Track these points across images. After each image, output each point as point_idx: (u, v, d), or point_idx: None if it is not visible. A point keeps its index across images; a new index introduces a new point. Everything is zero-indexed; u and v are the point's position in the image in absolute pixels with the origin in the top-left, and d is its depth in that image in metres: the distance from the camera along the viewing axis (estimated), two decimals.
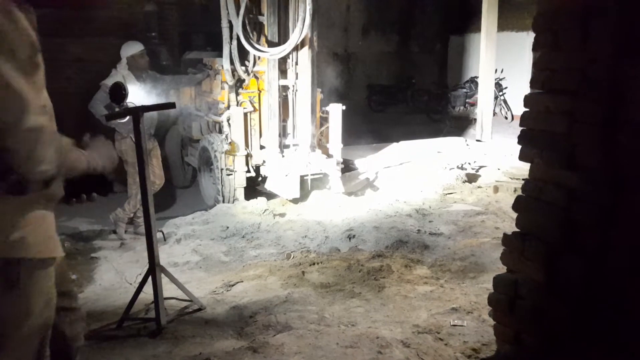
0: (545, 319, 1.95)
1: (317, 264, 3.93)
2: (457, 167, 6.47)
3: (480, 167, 6.57)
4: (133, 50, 4.97)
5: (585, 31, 1.84)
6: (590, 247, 1.82)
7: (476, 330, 2.76)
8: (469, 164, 6.60)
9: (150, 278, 3.13)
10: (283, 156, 5.58)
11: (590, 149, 1.83)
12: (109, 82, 4.56)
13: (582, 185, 1.85)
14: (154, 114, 5.01)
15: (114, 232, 5.14)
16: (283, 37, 5.47)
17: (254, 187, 5.85)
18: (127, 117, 4.00)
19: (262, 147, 5.78)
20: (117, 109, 3.62)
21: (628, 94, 1.72)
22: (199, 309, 3.25)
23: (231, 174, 5.56)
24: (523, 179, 2.18)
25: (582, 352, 1.85)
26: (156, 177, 5.11)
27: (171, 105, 4.00)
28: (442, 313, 3.00)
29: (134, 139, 3.80)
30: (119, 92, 3.55)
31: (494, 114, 9.53)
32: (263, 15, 5.45)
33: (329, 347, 2.65)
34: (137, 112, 3.16)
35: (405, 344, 2.67)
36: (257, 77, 5.71)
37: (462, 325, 2.82)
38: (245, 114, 5.68)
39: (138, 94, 4.87)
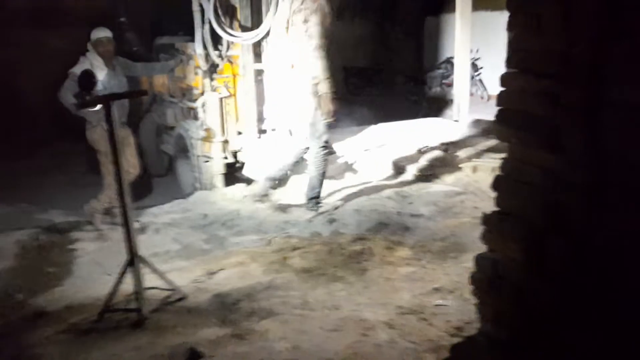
0: (525, 298, 1.98)
1: (299, 249, 3.92)
2: (435, 147, 6.51)
3: (458, 147, 6.61)
4: (97, 35, 4.81)
5: (566, 9, 1.83)
6: (573, 228, 1.83)
7: (459, 309, 2.79)
8: (447, 144, 6.64)
9: (129, 269, 3.09)
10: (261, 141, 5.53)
11: (572, 130, 1.84)
12: (77, 70, 4.43)
13: (563, 166, 1.85)
14: (125, 101, 4.89)
15: (91, 223, 5.04)
16: (256, 21, 5.37)
17: (233, 173, 5.80)
18: (98, 106, 3.90)
19: (239, 133, 5.71)
20: (87, 97, 3.52)
21: (610, 75, 1.72)
22: (181, 298, 3.22)
23: (208, 161, 5.49)
24: (501, 159, 2.19)
25: (561, 331, 1.88)
26: (130, 166, 5.01)
27: (143, 93, 3.92)
28: (424, 293, 3.03)
29: (105, 128, 3.72)
30: (88, 80, 3.46)
31: (471, 94, 9.58)
32: None
33: (314, 332, 2.66)
34: (108, 100, 3.08)
35: (390, 325, 2.69)
36: (231, 62, 5.61)
37: (445, 305, 2.86)
38: (221, 100, 5.59)
39: (108, 82, 4.75)
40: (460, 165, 5.91)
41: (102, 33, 4.82)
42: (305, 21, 4.17)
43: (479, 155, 6.24)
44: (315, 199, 4.63)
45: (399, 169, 5.83)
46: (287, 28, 4.24)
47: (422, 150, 6.44)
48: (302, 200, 4.74)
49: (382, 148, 6.43)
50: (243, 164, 5.68)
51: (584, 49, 1.77)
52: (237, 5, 5.35)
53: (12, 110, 8.07)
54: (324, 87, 4.28)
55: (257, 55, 5.50)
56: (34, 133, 8.11)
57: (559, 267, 1.87)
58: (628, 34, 1.67)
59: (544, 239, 1.91)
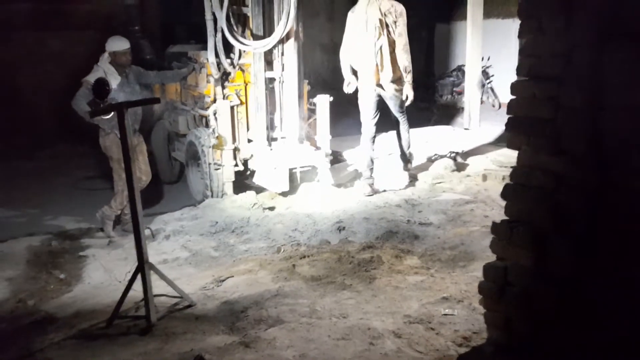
0: (535, 304, 1.97)
1: (308, 256, 3.92)
2: (446, 156, 6.49)
3: (469, 155, 6.59)
4: (117, 47, 4.85)
5: (569, 16, 1.84)
6: (578, 231, 1.83)
7: (467, 319, 2.77)
8: (458, 152, 6.62)
9: (139, 275, 3.11)
10: (271, 149, 5.54)
11: (575, 133, 1.84)
12: (91, 78, 4.48)
13: (569, 170, 1.86)
14: (138, 109, 4.93)
15: (102, 230, 5.08)
16: (268, 29, 5.40)
17: (243, 181, 5.82)
18: (111, 113, 3.95)
19: (249, 141, 5.73)
20: (100, 105, 3.57)
21: (611, 78, 1.73)
22: (190, 305, 3.23)
23: (219, 169, 5.51)
24: (511, 167, 2.18)
25: (571, 336, 1.87)
26: (142, 173, 5.06)
27: (155, 100, 3.97)
28: (433, 302, 3.01)
29: (118, 135, 3.76)
30: (102, 88, 3.51)
31: (482, 102, 9.54)
32: (247, 6, 5.38)
33: (321, 340, 2.65)
34: (121, 108, 3.12)
35: (397, 334, 2.68)
36: (242, 70, 5.64)
37: (453, 314, 2.83)
38: (232, 107, 5.61)
39: (121, 90, 4.80)
40: (470, 174, 5.88)
41: (122, 45, 4.86)
42: (394, 22, 5.08)
43: (489, 163, 6.21)
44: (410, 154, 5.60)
45: (408, 177, 5.81)
46: (378, 27, 5.06)
47: (432, 158, 6.42)
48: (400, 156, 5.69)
49: (392, 156, 6.42)
50: (253, 171, 5.70)
51: (586, 51, 1.78)
52: (250, 14, 5.38)
53: (13, 112, 8.17)
54: (410, 77, 5.23)
55: (269, 64, 5.53)
56: (35, 134, 8.20)
57: (565, 270, 1.86)
58: (627, 36, 1.67)
59: (550, 242, 1.90)
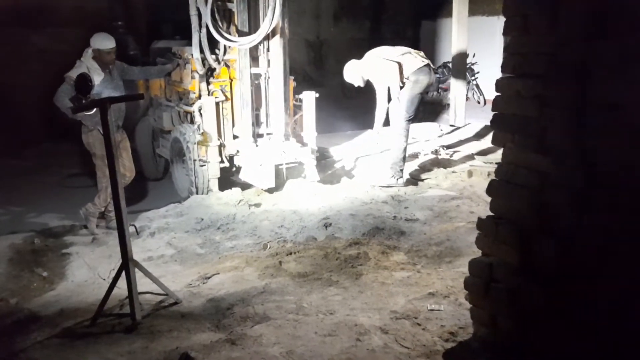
0: (520, 301, 1.98)
1: (294, 253, 3.92)
2: (432, 152, 6.53)
3: (455, 152, 6.63)
4: (102, 45, 4.76)
5: (554, 14, 1.85)
6: (563, 229, 1.84)
7: (453, 314, 2.79)
8: (443, 149, 6.67)
9: (123, 273, 3.08)
10: (257, 145, 5.52)
11: (561, 132, 1.85)
12: (74, 73, 4.41)
13: (553, 168, 1.87)
14: (121, 105, 4.87)
15: (85, 227, 5.02)
16: (254, 25, 5.37)
17: (228, 177, 5.79)
18: (94, 109, 3.89)
19: (235, 137, 5.70)
20: (83, 101, 3.52)
21: (596, 77, 1.74)
22: (175, 303, 3.21)
23: (204, 165, 5.48)
24: (496, 163, 2.20)
25: (556, 333, 1.88)
26: (126, 170, 5.00)
27: (139, 96, 3.93)
28: (419, 298, 3.02)
29: (101, 132, 3.71)
30: (84, 84, 3.46)
31: (467, 98, 9.62)
32: (232, 2, 5.34)
33: (308, 337, 2.65)
34: (104, 104, 3.07)
35: (384, 330, 2.68)
36: (228, 66, 5.61)
37: (439, 310, 2.85)
38: (217, 104, 5.58)
39: (105, 85, 4.74)
40: (455, 170, 5.93)
41: (107, 44, 4.75)
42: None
43: (474, 159, 6.26)
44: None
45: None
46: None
47: (418, 154, 6.45)
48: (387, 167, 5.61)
49: (378, 152, 6.44)
50: (239, 168, 5.67)
51: (571, 50, 1.79)
52: (235, 10, 5.34)
53: None
54: None
55: (254, 60, 5.50)
56: (20, 133, 8.09)
57: (549, 267, 1.87)
58: (613, 35, 1.69)
59: (535, 240, 1.92)
